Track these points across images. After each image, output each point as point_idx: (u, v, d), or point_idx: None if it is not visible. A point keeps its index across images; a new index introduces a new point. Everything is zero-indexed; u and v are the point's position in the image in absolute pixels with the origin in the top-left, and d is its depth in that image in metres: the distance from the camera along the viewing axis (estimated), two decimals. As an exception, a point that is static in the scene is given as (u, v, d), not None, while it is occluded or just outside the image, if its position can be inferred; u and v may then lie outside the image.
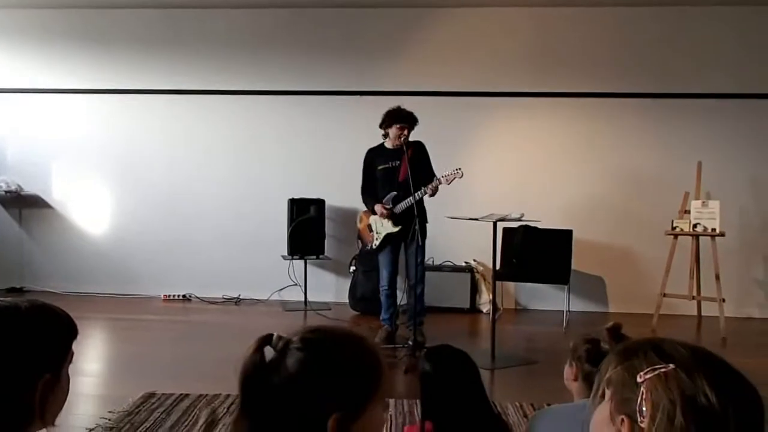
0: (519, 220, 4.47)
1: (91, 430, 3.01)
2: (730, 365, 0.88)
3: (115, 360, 4.52)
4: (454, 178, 4.47)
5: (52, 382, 1.10)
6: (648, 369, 0.85)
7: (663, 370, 0.85)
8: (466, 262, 6.13)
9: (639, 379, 0.85)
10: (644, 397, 0.84)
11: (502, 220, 4.36)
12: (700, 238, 5.44)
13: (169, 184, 6.40)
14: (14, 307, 1.12)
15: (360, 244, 5.70)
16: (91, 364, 4.18)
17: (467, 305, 5.95)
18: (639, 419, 0.84)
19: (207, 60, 6.33)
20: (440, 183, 4.49)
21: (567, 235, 5.70)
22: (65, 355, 1.15)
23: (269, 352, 1.04)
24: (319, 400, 1.00)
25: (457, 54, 6.18)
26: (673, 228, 5.45)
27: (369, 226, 4.87)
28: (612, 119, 6.14)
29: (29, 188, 6.44)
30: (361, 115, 5.86)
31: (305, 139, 6.33)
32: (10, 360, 1.06)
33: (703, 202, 5.39)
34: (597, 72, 6.08)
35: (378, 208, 4.71)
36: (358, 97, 6.15)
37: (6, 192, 6.31)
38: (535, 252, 5.61)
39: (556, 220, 5.65)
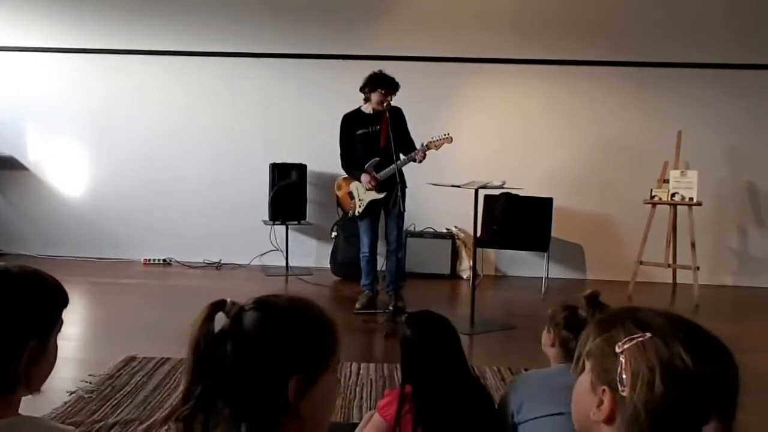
0: (500, 187, 4.48)
1: (72, 393, 3.02)
2: (704, 329, 0.90)
3: (96, 324, 4.51)
4: (443, 143, 4.48)
5: (39, 349, 1.08)
6: (626, 339, 0.87)
7: (640, 339, 0.86)
8: (447, 229, 6.16)
9: (618, 350, 0.87)
10: (623, 366, 0.85)
11: (483, 187, 4.37)
12: (678, 207, 5.52)
13: (149, 146, 6.29)
14: (4, 271, 1.10)
15: (340, 212, 5.63)
16: (71, 328, 4.16)
17: (448, 271, 6.00)
18: (620, 388, 0.85)
19: (185, 20, 6.17)
20: (429, 148, 4.48)
21: (547, 203, 5.76)
22: (54, 322, 1.13)
23: (220, 321, 0.99)
24: (279, 360, 0.98)
25: (439, 19, 6.09)
26: (652, 197, 5.51)
27: (350, 193, 4.84)
28: (594, 88, 6.13)
29: (3, 149, 6.30)
30: (343, 80, 5.77)
31: (287, 104, 6.24)
32: None
33: (682, 172, 5.45)
34: (579, 40, 6.04)
35: (365, 179, 4.65)
36: (340, 60, 6.07)
37: (-22, 153, 6.19)
38: (515, 219, 5.66)
39: (537, 188, 5.67)
